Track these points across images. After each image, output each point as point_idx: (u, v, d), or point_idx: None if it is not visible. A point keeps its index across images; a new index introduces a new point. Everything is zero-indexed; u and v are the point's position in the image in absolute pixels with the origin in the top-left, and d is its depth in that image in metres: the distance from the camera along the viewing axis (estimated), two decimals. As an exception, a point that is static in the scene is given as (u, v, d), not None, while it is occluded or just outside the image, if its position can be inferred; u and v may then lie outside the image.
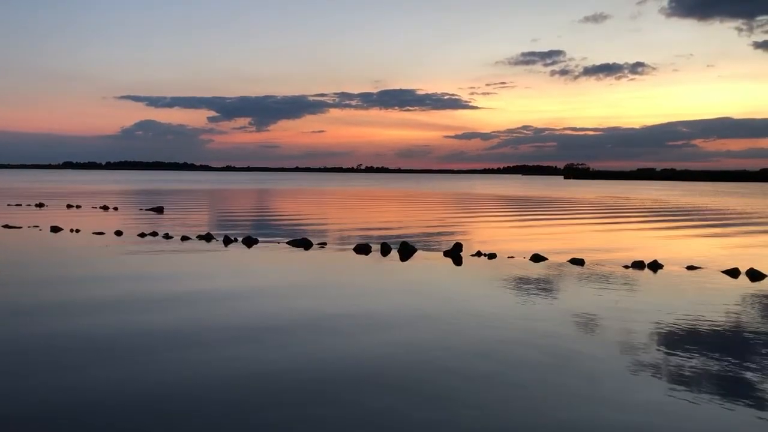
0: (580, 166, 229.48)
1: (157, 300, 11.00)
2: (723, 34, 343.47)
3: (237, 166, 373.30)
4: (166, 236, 20.75)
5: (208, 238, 20.23)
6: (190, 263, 15.61)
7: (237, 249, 18.22)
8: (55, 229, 22.42)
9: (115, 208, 34.95)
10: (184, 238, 20.16)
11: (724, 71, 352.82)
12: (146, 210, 34.03)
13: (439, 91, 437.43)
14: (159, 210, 33.75)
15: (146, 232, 21.48)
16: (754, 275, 14.19)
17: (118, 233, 21.38)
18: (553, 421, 5.93)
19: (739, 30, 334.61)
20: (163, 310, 10.22)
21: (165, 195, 55.15)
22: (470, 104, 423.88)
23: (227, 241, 19.53)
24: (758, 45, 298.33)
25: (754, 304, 11.35)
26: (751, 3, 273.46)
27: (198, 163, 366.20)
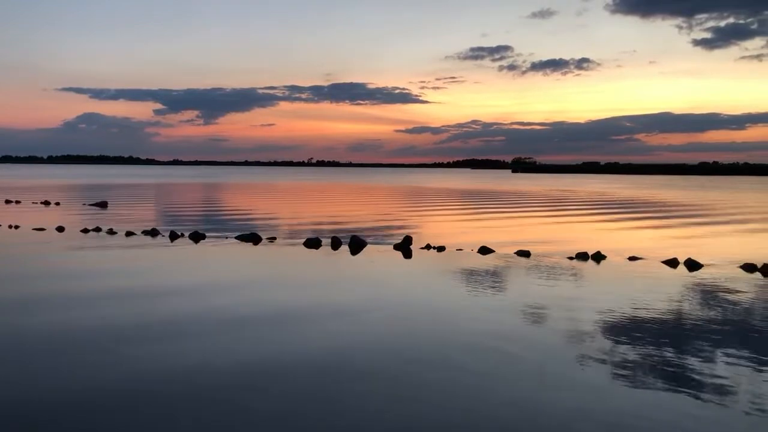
0: (527, 160, 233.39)
1: (100, 297, 10.73)
2: (664, 31, 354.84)
3: (184, 160, 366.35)
4: (110, 232, 20.26)
5: (153, 233, 19.83)
6: (135, 259, 15.28)
7: (183, 244, 17.92)
8: (-8, 226, 21.63)
9: (57, 204, 33.90)
10: (129, 234, 19.72)
11: (665, 68, 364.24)
12: (89, 205, 33.13)
13: (389, 85, 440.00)
14: (103, 205, 32.90)
15: (89, 228, 20.92)
16: (692, 265, 14.71)
17: (60, 229, 20.76)
18: (502, 408, 6.05)
19: (680, 28, 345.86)
20: (106, 306, 9.97)
21: (109, 190, 53.75)
22: (420, 98, 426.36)
23: (173, 236, 19.19)
24: (697, 42, 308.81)
25: (692, 293, 11.77)
26: (691, 1, 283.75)
27: (144, 157, 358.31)
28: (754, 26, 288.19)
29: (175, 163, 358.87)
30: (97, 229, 20.75)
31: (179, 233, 19.52)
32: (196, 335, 8.42)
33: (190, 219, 26.29)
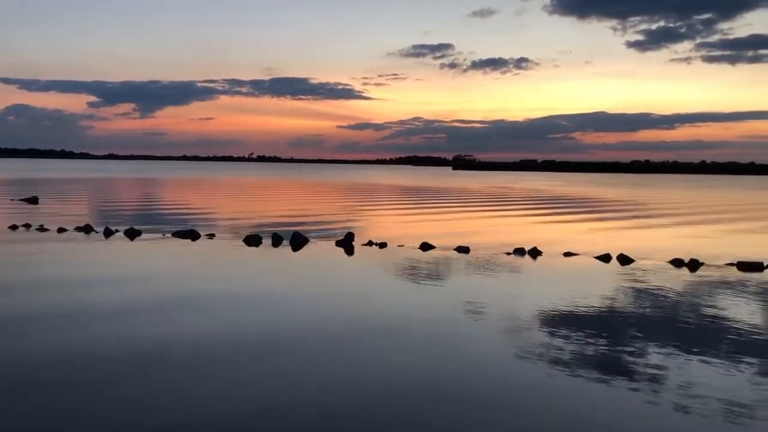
0: (467, 158, 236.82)
1: (29, 294, 10.36)
2: (599, 32, 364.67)
3: (120, 154, 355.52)
4: (41, 228, 19.54)
5: (87, 230, 19.23)
6: (68, 256, 14.79)
7: (118, 241, 17.45)
8: None
9: (-17, 199, 32.45)
10: (61, 230, 19.07)
11: (600, 68, 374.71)
12: (19, 200, 31.81)
13: (332, 81, 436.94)
14: (33, 200, 31.65)
15: (18, 224, 20.11)
16: (624, 260, 15.23)
17: (-14, 225, 19.90)
18: (439, 401, 6.14)
19: (614, 29, 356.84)
20: (36, 303, 9.64)
21: (40, 184, 51.75)
22: (363, 95, 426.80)
23: (108, 232, 18.65)
24: (630, 44, 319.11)
25: (623, 287, 12.19)
26: (625, 4, 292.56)
27: (77, 151, 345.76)
28: (683, 30, 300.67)
29: (111, 157, 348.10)
30: (27, 226, 19.98)
31: (114, 230, 18.99)
32: (129, 330, 8.22)
33: (126, 215, 25.60)
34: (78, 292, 10.79)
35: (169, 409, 5.89)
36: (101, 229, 19.06)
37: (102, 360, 7.21)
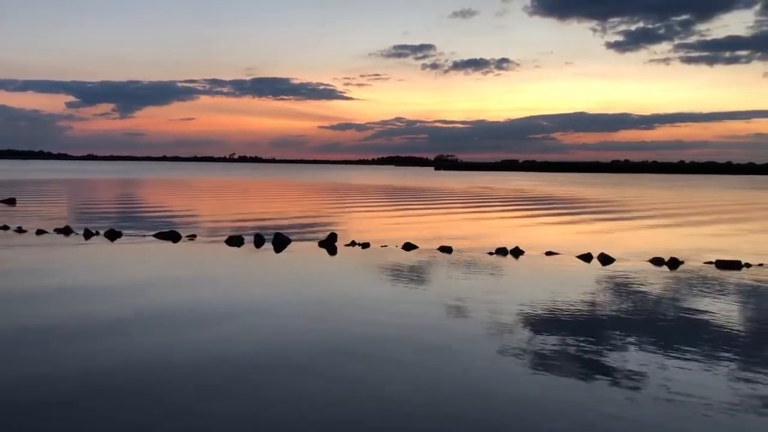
0: (449, 158, 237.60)
1: (8, 297, 10.22)
2: (580, 33, 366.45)
3: (99, 155, 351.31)
4: (19, 230, 19.30)
5: (66, 231, 19.02)
6: (47, 258, 14.62)
7: (99, 243, 17.28)
8: None
9: (-41, 200, 31.94)
10: (40, 232, 18.84)
11: (580, 69, 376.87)
12: (-5, 202, 31.38)
13: (314, 81, 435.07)
14: (11, 202, 31.22)
15: (-5, 226, 19.85)
16: (605, 259, 15.37)
17: (-38, 227, 19.60)
18: (426, 402, 6.16)
19: (594, 30, 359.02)
20: (14, 307, 9.52)
21: (18, 185, 51.05)
22: (345, 95, 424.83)
23: (88, 234, 18.46)
24: (610, 45, 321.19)
25: (604, 286, 12.31)
26: (604, 5, 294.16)
27: (56, 152, 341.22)
28: (662, 31, 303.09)
29: (90, 158, 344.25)
30: (5, 228, 19.71)
31: (94, 231, 18.80)
32: (111, 334, 8.15)
33: (106, 216, 25.34)
34: (58, 295, 10.67)
35: (137, 426, 5.85)
36: (81, 231, 18.86)
37: (74, 373, 7.13)
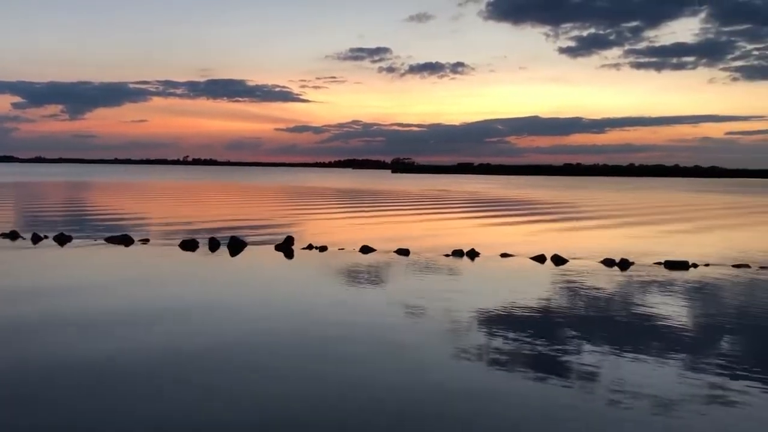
0: (406, 161, 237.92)
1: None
2: (533, 38, 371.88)
3: (48, 157, 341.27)
4: (-38, 235, 18.64)
5: (13, 236, 18.45)
6: (-8, 264, 14.15)
7: (47, 247, 16.81)
8: None
9: None
10: (-15, 237, 18.23)
11: (534, 73, 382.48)
12: (-63, 206, 30.25)
13: (269, 83, 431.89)
14: (-47, 206, 30.13)
15: (-63, 231, 19.12)
16: (558, 260, 15.66)
17: None
18: (384, 405, 6.17)
19: (547, 35, 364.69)
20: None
21: (-40, 189, 49.31)
22: (301, 97, 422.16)
23: (36, 238, 17.94)
24: (563, 50, 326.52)
25: (557, 287, 12.53)
26: (557, 11, 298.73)
27: (2, 154, 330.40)
28: (612, 37, 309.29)
29: (38, 160, 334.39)
30: (-53, 232, 19.02)
31: (43, 236, 18.29)
32: (52, 335, 7.94)
33: (55, 220, 24.66)
34: (1, 302, 10.34)
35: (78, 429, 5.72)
36: (29, 235, 18.32)
37: (14, 374, 6.94)
